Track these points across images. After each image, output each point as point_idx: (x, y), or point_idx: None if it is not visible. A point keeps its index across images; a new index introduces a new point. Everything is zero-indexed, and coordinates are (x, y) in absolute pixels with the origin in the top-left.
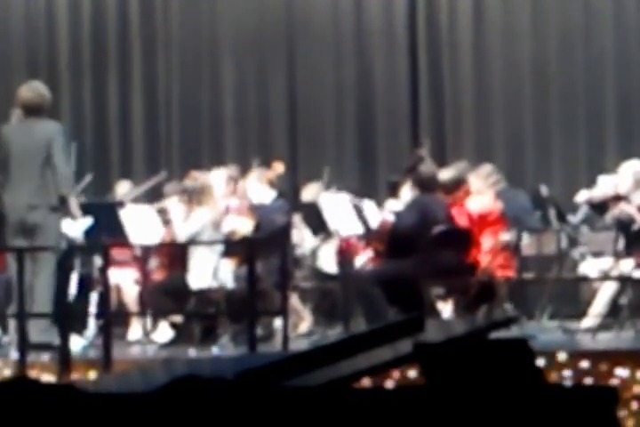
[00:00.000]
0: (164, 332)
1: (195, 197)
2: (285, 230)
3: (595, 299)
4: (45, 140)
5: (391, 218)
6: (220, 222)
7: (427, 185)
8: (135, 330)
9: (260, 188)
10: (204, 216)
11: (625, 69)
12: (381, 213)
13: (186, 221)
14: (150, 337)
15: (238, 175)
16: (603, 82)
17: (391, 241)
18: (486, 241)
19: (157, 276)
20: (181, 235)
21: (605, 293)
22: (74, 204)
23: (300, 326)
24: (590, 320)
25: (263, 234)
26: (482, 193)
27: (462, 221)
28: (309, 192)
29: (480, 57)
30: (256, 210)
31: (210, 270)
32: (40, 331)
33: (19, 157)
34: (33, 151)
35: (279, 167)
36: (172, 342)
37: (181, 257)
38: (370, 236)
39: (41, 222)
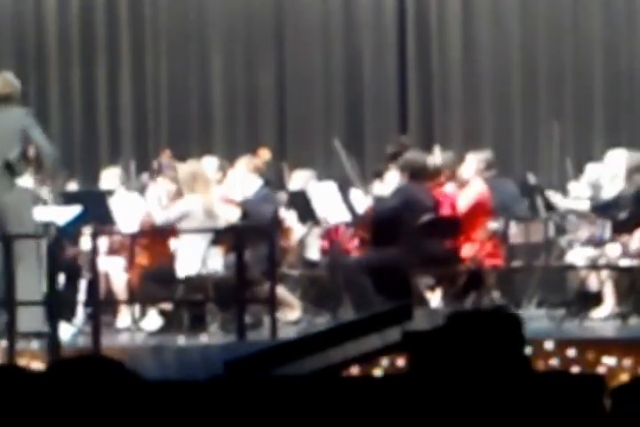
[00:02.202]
0: (152, 319)
1: (187, 183)
2: (273, 218)
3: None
4: (19, 127)
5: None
6: (213, 210)
7: (416, 173)
8: (124, 318)
9: (247, 176)
10: (192, 203)
11: (613, 55)
12: (367, 201)
13: (169, 205)
14: (139, 325)
15: (227, 164)
16: (590, 69)
17: (373, 227)
18: (475, 229)
19: (141, 260)
20: (159, 218)
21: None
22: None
23: (289, 314)
24: (605, 310)
25: (251, 222)
26: (473, 179)
27: (446, 210)
28: (297, 180)
29: (469, 45)
30: (244, 200)
31: (199, 258)
32: (29, 319)
33: None
34: (1, 137)
35: (265, 154)
36: (161, 330)
37: (163, 242)
38: (355, 224)
39: (13, 206)
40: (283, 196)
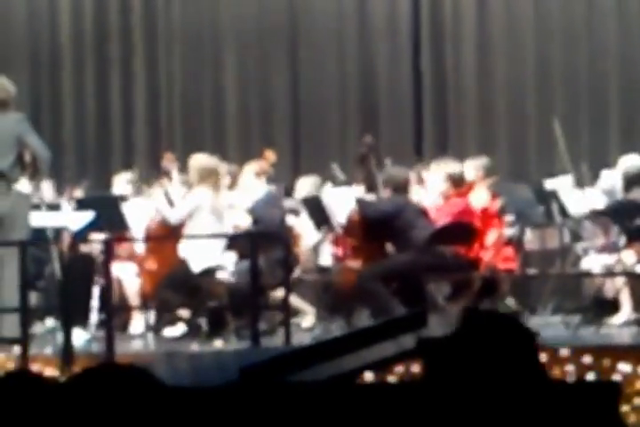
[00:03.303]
0: (173, 326)
1: (198, 175)
2: (282, 223)
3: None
4: (14, 133)
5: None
6: (219, 208)
7: (400, 187)
8: (137, 324)
9: (253, 182)
10: (201, 197)
11: (628, 62)
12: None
13: (182, 201)
14: (162, 333)
15: (237, 169)
16: (605, 76)
17: (365, 227)
18: (489, 235)
19: (150, 265)
20: (171, 217)
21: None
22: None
23: (303, 321)
24: (621, 316)
25: (260, 228)
26: (476, 186)
27: (476, 221)
28: (303, 186)
29: (483, 51)
30: (251, 206)
31: (212, 255)
32: (11, 325)
33: None
34: None
35: (271, 156)
36: (177, 335)
37: (172, 245)
38: (343, 230)
39: (9, 212)
40: (291, 202)
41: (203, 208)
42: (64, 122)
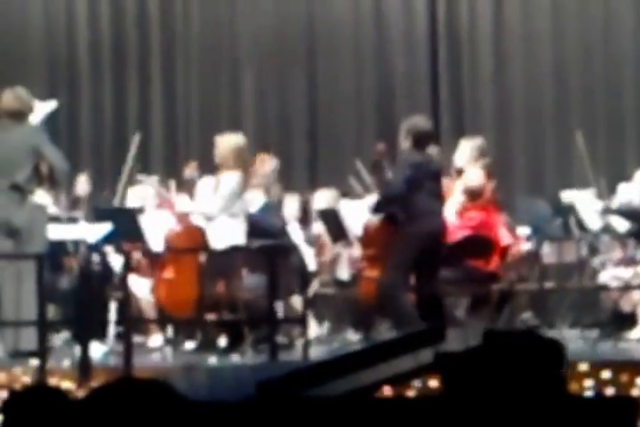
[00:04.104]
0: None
1: (228, 158)
2: (282, 230)
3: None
4: (30, 145)
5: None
6: (244, 193)
7: (422, 140)
8: (155, 337)
9: (248, 194)
10: (234, 182)
11: None
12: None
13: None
14: (173, 344)
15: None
16: (622, 86)
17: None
18: (473, 216)
19: (167, 275)
20: (212, 210)
21: None
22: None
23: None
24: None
25: (269, 240)
26: (467, 168)
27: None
28: (320, 199)
29: (500, 62)
30: (253, 218)
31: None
32: (29, 339)
33: None
34: (10, 156)
35: (265, 161)
36: (195, 349)
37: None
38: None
39: (25, 224)
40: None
41: (234, 193)
42: (81, 133)
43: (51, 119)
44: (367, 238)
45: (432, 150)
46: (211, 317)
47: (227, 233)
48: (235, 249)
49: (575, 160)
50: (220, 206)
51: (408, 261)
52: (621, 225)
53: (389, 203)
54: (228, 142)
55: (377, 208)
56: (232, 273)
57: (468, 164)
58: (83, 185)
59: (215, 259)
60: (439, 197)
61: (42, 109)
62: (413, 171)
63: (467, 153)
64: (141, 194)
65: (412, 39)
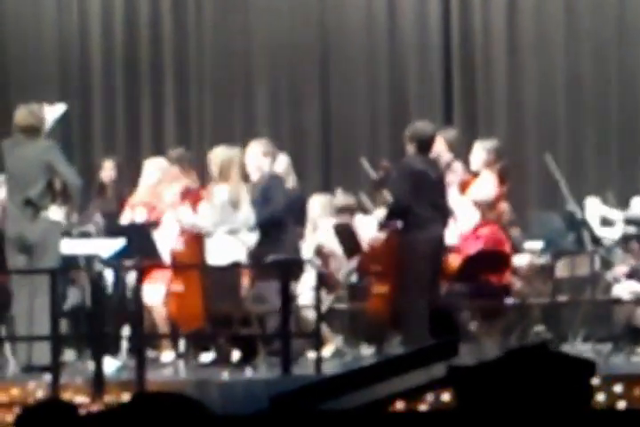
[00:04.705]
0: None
1: (223, 170)
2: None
3: None
4: (43, 161)
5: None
6: (240, 200)
7: (425, 144)
8: (168, 352)
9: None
10: (222, 196)
11: None
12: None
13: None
14: (198, 360)
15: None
16: (636, 101)
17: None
18: (485, 232)
19: (175, 288)
20: (205, 224)
21: None
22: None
23: (325, 350)
24: None
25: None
26: (483, 173)
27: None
28: (317, 204)
29: (514, 75)
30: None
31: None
32: (42, 353)
33: (10, 178)
34: (24, 172)
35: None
36: (208, 363)
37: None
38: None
39: (39, 239)
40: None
41: (226, 205)
42: (94, 143)
43: (62, 125)
44: (374, 255)
45: (450, 134)
46: (223, 331)
47: (226, 250)
48: (237, 265)
49: (587, 175)
50: (213, 220)
51: (419, 273)
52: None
53: (397, 214)
54: (217, 155)
55: (387, 220)
56: (234, 289)
57: (483, 167)
58: (108, 171)
59: (217, 275)
60: (441, 205)
61: (51, 114)
62: (414, 179)
63: (482, 156)
64: (158, 166)
65: (426, 46)
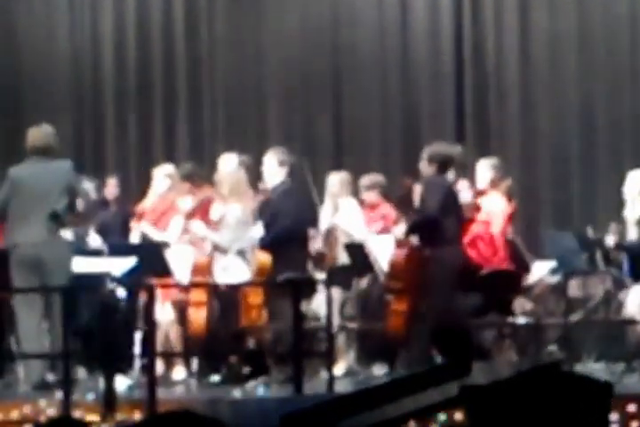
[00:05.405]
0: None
1: (233, 190)
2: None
3: None
4: (65, 181)
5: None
6: (249, 219)
7: (446, 166)
8: (179, 370)
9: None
10: (235, 214)
11: None
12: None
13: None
14: (210, 379)
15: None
16: None
17: (421, 229)
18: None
19: (195, 311)
20: (222, 241)
21: None
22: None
23: (335, 368)
24: None
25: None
26: (490, 193)
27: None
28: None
29: (526, 94)
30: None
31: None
32: (46, 370)
33: (32, 197)
34: (46, 191)
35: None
36: (220, 382)
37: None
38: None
39: (52, 257)
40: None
41: (239, 222)
42: (107, 165)
43: (77, 152)
44: (395, 272)
45: (456, 149)
46: (235, 349)
47: (233, 271)
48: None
49: (601, 195)
50: (229, 238)
51: (447, 287)
52: None
53: (425, 226)
54: (230, 175)
55: (410, 231)
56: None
57: (489, 185)
58: (111, 188)
59: (223, 294)
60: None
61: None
62: (445, 196)
63: (487, 174)
64: (166, 172)
65: (438, 66)
